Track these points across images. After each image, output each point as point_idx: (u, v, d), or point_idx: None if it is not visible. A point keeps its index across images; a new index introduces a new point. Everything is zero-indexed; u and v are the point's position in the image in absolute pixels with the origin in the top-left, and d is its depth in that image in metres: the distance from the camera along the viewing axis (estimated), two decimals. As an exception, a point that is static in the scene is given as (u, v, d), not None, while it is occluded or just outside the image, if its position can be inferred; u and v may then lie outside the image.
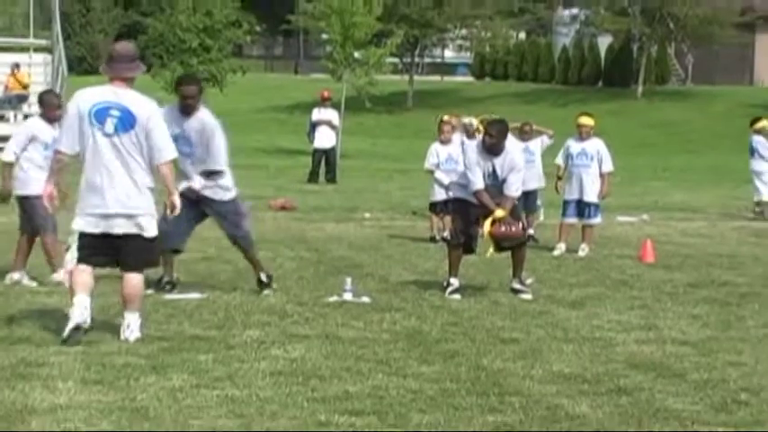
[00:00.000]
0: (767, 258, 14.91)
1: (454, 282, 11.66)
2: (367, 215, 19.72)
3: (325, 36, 39.76)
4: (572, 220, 15.42)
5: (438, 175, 15.98)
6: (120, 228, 8.97)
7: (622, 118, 49.04)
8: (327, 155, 27.90)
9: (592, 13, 62.45)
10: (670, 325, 10.08)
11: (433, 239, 16.00)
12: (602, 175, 15.30)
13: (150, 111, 9.07)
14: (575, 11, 65.38)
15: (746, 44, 58.81)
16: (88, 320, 8.82)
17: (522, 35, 77.31)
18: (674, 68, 64.57)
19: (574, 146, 15.47)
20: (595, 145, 15.37)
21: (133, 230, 9.00)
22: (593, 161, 15.28)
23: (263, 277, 11.51)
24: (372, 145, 44.39)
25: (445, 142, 16.12)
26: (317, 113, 28.14)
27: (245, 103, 59.65)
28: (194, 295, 11.12)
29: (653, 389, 7.73)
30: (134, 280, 9.13)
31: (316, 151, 27.91)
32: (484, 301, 11.20)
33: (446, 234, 14.77)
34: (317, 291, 11.55)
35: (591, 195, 15.27)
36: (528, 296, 11.49)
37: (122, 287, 9.16)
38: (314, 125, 28.05)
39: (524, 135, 17.17)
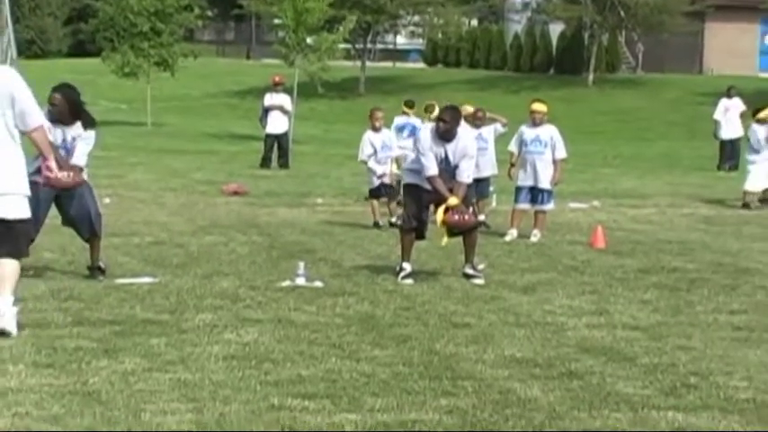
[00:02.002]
0: (716, 245, 15.05)
1: (407, 267, 11.69)
2: (319, 200, 19.71)
3: (277, 21, 39.65)
4: (525, 205, 15.47)
5: (371, 164, 16.48)
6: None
7: (573, 105, 49.22)
8: (280, 140, 27.81)
9: (544, 0, 62.64)
10: (620, 310, 10.17)
11: (376, 225, 16.03)
12: (554, 162, 15.36)
13: (9, 77, 8.53)
14: (527, -2, 65.55)
15: (696, 32, 59.15)
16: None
17: (475, 22, 77.44)
18: (625, 56, 64.88)
19: (527, 132, 15.52)
20: (549, 131, 15.43)
21: (8, 215, 8.38)
22: (546, 147, 15.33)
23: (102, 264, 11.47)
24: (325, 131, 44.32)
25: (378, 130, 16.38)
26: (270, 99, 28.04)
27: (197, 89, 59.38)
28: (146, 279, 11.09)
29: (603, 373, 7.80)
30: (8, 266, 8.43)
31: (268, 136, 27.82)
32: (436, 286, 11.24)
33: (395, 219, 14.92)
34: (270, 275, 11.54)
35: (544, 182, 15.33)
36: (480, 281, 11.55)
37: None
38: (266, 110, 27.94)
39: (477, 122, 17.19)
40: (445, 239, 11.93)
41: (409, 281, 11.45)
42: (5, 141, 8.32)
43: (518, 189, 15.61)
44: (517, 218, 15.46)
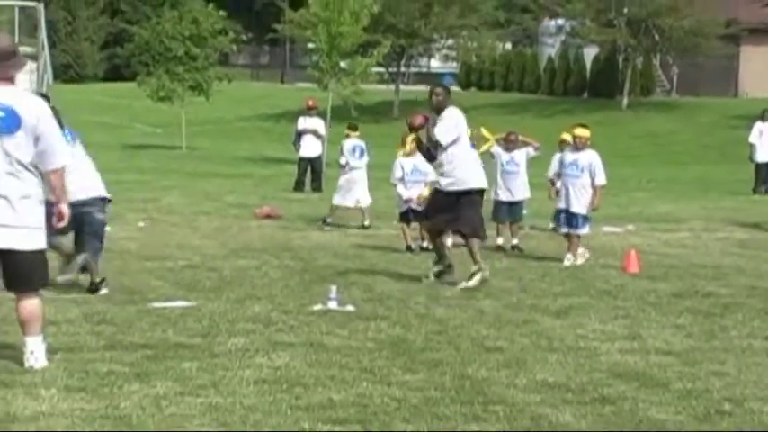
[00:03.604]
0: (751, 269, 14.94)
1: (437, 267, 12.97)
2: (352, 224, 19.71)
3: (311, 45, 39.75)
4: (563, 229, 15.40)
5: (399, 188, 16.58)
6: (1, 242, 8.08)
7: (607, 129, 49.11)
8: (313, 164, 27.89)
9: (578, 24, 62.56)
10: (654, 335, 10.10)
11: (409, 249, 16.02)
12: (594, 188, 15.24)
13: (40, 113, 8.16)
14: (560, 22, 65.45)
15: (731, 56, 58.97)
16: None
17: (509, 46, 77.47)
18: (660, 80, 64.72)
19: (568, 156, 15.51)
20: (588, 157, 15.30)
21: (16, 246, 8.09)
22: (583, 173, 15.23)
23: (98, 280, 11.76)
24: (358, 154, 44.37)
25: (410, 154, 16.35)
26: (303, 122, 28.14)
27: (231, 113, 59.64)
28: (179, 303, 11.11)
29: (636, 398, 7.75)
30: (30, 302, 8.22)
31: (301, 160, 27.90)
32: (469, 310, 11.20)
33: (426, 244, 15.04)
34: (302, 299, 11.54)
35: (576, 206, 15.26)
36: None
37: (18, 311, 8.25)
38: (299, 134, 28.04)
39: (509, 144, 17.21)
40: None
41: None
42: (18, 172, 8.10)
43: (557, 212, 15.58)
44: (566, 240, 15.34)
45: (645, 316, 11.09)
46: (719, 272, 14.57)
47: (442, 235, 13.72)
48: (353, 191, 19.72)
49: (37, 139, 8.11)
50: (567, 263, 14.94)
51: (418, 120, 13.49)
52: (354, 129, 20.96)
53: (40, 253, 8.29)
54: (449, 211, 13.10)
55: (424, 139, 13.48)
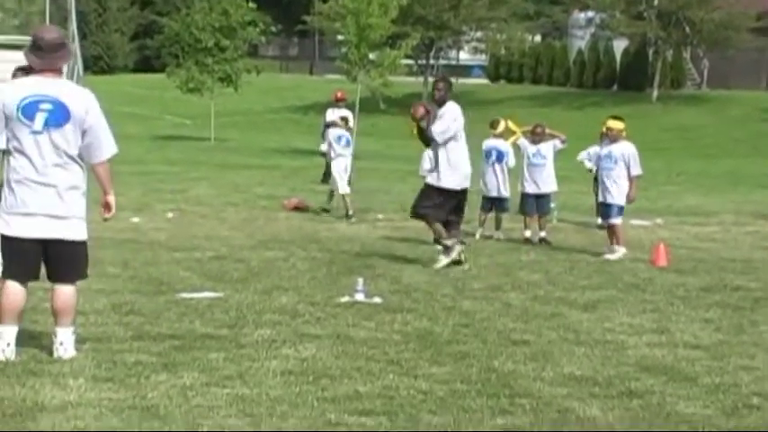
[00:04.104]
0: (781, 263, 14.86)
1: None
2: (380, 216, 19.72)
3: (340, 37, 39.79)
4: (599, 221, 15.44)
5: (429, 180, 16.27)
6: (48, 232, 8.10)
7: (637, 122, 48.93)
8: (341, 156, 27.87)
9: (607, 16, 62.36)
10: (682, 329, 10.06)
11: (437, 241, 15.98)
12: (630, 179, 15.18)
13: (89, 105, 8.13)
14: (590, 14, 65.25)
15: (762, 48, 58.63)
16: (12, 357, 8.05)
17: (538, 38, 77.32)
18: (690, 73, 64.44)
19: (604, 148, 15.54)
20: (622, 148, 15.24)
21: (62, 235, 8.13)
22: (616, 164, 15.19)
23: None
24: (386, 146, 44.39)
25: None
26: (332, 114, 28.11)
27: (260, 104, 59.77)
28: (206, 294, 11.14)
29: (664, 392, 7.71)
30: (66, 293, 8.26)
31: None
32: (496, 303, 11.19)
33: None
34: (329, 291, 11.55)
35: (610, 197, 15.21)
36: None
37: (52, 300, 8.28)
38: (328, 126, 28.04)
39: (536, 137, 17.18)
40: None
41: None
42: (66, 163, 8.14)
43: (597, 204, 15.62)
44: (608, 232, 15.32)
45: (673, 310, 11.05)
46: (749, 266, 14.50)
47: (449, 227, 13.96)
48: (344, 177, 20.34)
49: (85, 132, 8.13)
50: (613, 256, 14.82)
51: (420, 110, 14.05)
52: (345, 122, 22.08)
53: (84, 244, 8.33)
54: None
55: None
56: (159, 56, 54.83)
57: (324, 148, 21.57)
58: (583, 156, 19.09)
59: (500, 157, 17.28)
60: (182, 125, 52.59)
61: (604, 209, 15.31)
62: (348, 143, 21.02)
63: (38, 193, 8.08)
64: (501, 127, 17.56)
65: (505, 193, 17.28)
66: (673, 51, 61.15)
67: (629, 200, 15.25)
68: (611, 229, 15.23)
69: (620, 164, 15.15)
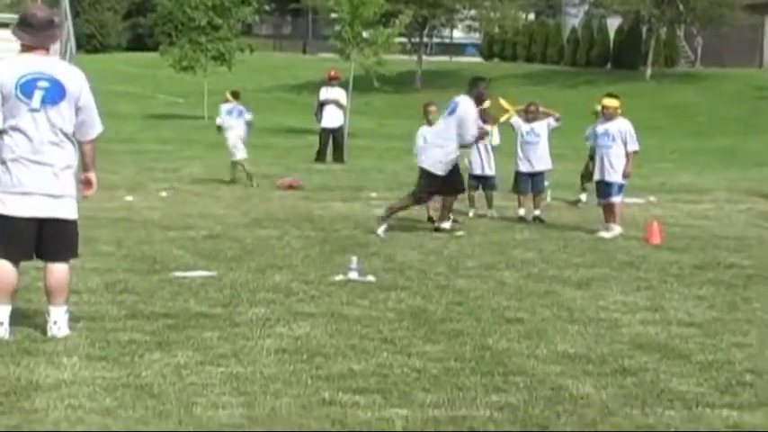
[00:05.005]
0: (774, 241, 14.87)
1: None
2: (374, 195, 19.72)
3: (333, 15, 39.66)
4: (600, 200, 15.41)
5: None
6: (45, 211, 8.11)
7: (631, 100, 48.80)
8: (335, 134, 27.87)
9: (601, -6, 62.22)
10: (676, 306, 10.07)
11: (430, 219, 16.00)
12: (626, 155, 15.18)
13: (82, 83, 8.21)
14: (584, -8, 65.14)
15: (756, 26, 58.58)
16: (6, 336, 8.05)
17: (532, 16, 77.17)
18: (684, 50, 64.37)
19: (599, 126, 15.47)
20: (618, 125, 15.24)
21: (58, 214, 8.16)
22: (614, 141, 15.18)
23: None
24: (380, 125, 44.35)
25: (432, 124, 16.34)
26: (325, 93, 28.11)
27: (253, 82, 59.61)
28: (201, 272, 11.13)
29: (657, 370, 7.73)
30: (60, 271, 8.26)
31: (323, 131, 27.89)
32: (489, 281, 11.19)
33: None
34: (323, 269, 11.56)
35: (609, 175, 15.20)
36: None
37: (46, 279, 8.29)
38: (321, 104, 28.02)
39: (530, 115, 17.15)
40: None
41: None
42: (62, 142, 8.16)
43: (596, 184, 15.57)
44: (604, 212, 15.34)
45: (667, 287, 11.06)
46: (742, 243, 14.52)
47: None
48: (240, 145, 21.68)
49: (79, 110, 8.18)
50: (608, 234, 14.84)
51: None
52: (235, 96, 23.45)
53: (76, 223, 8.35)
54: None
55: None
56: (152, 34, 54.69)
57: (219, 121, 22.95)
58: (589, 133, 19.03)
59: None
60: (175, 104, 52.48)
61: (604, 187, 15.27)
62: (240, 114, 22.41)
63: (34, 171, 8.08)
64: (485, 105, 17.55)
65: (490, 171, 17.27)
66: (666, 29, 61.06)
67: (625, 175, 15.24)
68: (608, 208, 15.22)
69: (618, 141, 15.14)
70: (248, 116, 22.81)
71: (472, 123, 14.93)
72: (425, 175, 14.99)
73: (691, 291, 10.89)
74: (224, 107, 23.01)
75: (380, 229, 14.52)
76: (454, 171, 15.02)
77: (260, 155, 28.44)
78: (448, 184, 14.95)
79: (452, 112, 14.97)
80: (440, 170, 14.81)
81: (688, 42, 64.97)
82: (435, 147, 15.02)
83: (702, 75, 58.46)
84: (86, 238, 12.58)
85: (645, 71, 57.25)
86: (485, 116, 15.94)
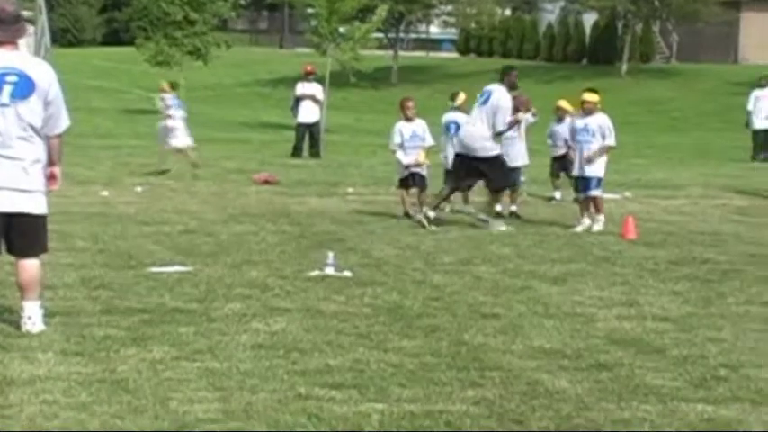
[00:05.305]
0: (749, 236, 14.94)
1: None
2: (350, 190, 19.71)
3: (310, 10, 39.63)
4: (579, 195, 15.46)
5: (398, 154, 16.39)
6: (13, 206, 8.07)
7: (606, 95, 48.85)
8: (311, 129, 27.84)
9: (577, -11, 62.38)
10: (651, 301, 10.11)
11: (407, 215, 16.00)
12: (602, 147, 15.24)
13: (51, 78, 8.17)
14: (560, -12, 65.28)
15: (731, 22, 58.82)
16: None
17: (508, 12, 77.26)
18: (659, 46, 64.57)
19: (578, 121, 15.50)
20: (598, 120, 15.31)
21: (28, 209, 8.11)
22: (593, 137, 15.23)
23: None
24: (356, 120, 44.34)
25: (410, 119, 16.36)
26: (301, 88, 28.07)
27: (230, 78, 59.56)
28: (176, 268, 11.11)
29: (633, 364, 7.75)
30: (31, 267, 8.21)
31: (299, 126, 27.85)
32: (466, 277, 11.21)
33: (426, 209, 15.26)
34: (299, 265, 11.55)
35: (588, 170, 15.26)
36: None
37: (18, 275, 8.25)
38: (298, 99, 27.98)
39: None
40: None
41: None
42: (31, 137, 8.12)
43: (574, 179, 15.61)
44: (582, 207, 15.38)
45: (642, 282, 11.10)
46: (717, 239, 14.58)
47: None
48: (181, 133, 22.18)
49: (48, 104, 8.14)
50: (596, 227, 14.92)
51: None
52: (173, 87, 23.71)
53: (45, 218, 8.31)
54: None
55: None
56: (128, 29, 54.58)
57: (170, 111, 22.95)
58: (549, 132, 19.18)
59: (459, 130, 17.30)
60: (150, 99, 52.36)
61: (582, 182, 15.31)
62: (177, 105, 22.71)
63: (3, 166, 8.04)
64: (460, 99, 17.59)
65: None
66: (642, 25, 61.23)
67: (589, 158, 15.23)
68: (587, 202, 15.25)
69: (597, 136, 15.20)
70: (182, 110, 23.08)
71: (506, 112, 15.20)
72: (461, 163, 15.48)
73: (666, 286, 10.93)
74: (167, 96, 23.07)
75: (429, 222, 14.96)
76: (500, 164, 15.41)
77: (236, 150, 28.42)
78: (494, 178, 15.41)
79: (486, 101, 15.18)
80: (483, 153, 15.20)
81: (663, 38, 65.17)
82: (474, 137, 15.33)
83: (678, 70, 58.67)
84: (62, 234, 12.61)
85: (620, 67, 57.41)
86: (516, 104, 15.90)
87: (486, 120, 15.19)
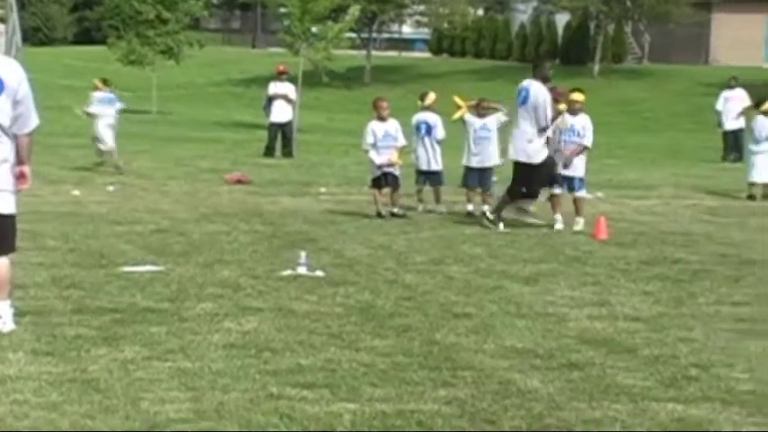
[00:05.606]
0: (720, 236, 15.01)
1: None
2: (323, 189, 19.70)
3: (283, 10, 39.58)
4: (558, 190, 15.51)
5: (371, 154, 16.39)
6: None
7: (579, 96, 49.15)
8: (284, 129, 27.79)
9: (550, -10, 62.52)
10: (622, 301, 10.14)
11: (379, 215, 16.00)
12: (578, 146, 15.39)
13: (21, 76, 8.11)
14: (533, -12, 65.44)
15: (703, 23, 59.07)
16: None
17: (480, 12, 77.34)
18: (631, 47, 64.78)
19: (565, 121, 15.54)
20: (582, 121, 15.46)
21: None
22: (579, 137, 15.36)
23: None
24: (329, 120, 44.30)
25: (383, 119, 16.36)
26: (274, 87, 28.03)
27: (202, 77, 59.44)
28: (148, 267, 11.07)
29: (604, 364, 7.78)
30: (1, 266, 8.17)
31: (272, 125, 27.80)
32: (438, 276, 11.22)
33: (397, 210, 15.26)
34: (272, 264, 11.53)
35: (575, 170, 15.38)
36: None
37: None
38: (270, 99, 27.93)
39: (482, 111, 17.18)
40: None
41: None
42: (0, 135, 8.07)
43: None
44: (557, 204, 15.46)
45: (614, 282, 11.13)
46: (688, 239, 14.64)
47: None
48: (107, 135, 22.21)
49: (17, 103, 8.09)
50: (576, 227, 15.01)
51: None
52: (106, 83, 23.57)
53: (13, 217, 8.26)
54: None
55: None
56: (99, 28, 54.36)
57: (91, 109, 22.85)
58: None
59: (429, 130, 17.32)
60: (122, 98, 52.17)
61: (566, 182, 15.47)
62: (111, 102, 22.79)
63: None
64: (429, 99, 17.62)
65: (436, 166, 17.32)
66: (614, 26, 61.42)
67: (566, 161, 15.36)
68: (578, 202, 15.42)
69: (580, 137, 15.35)
70: (120, 105, 23.23)
71: (548, 106, 14.96)
72: (513, 167, 15.29)
73: (637, 286, 10.97)
74: (96, 95, 23.01)
75: (500, 226, 14.99)
76: (539, 167, 15.07)
77: (209, 149, 28.35)
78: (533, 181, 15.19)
79: (525, 99, 15.05)
80: (524, 158, 15.01)
81: (636, 39, 65.39)
82: (518, 138, 15.17)
83: (649, 71, 58.88)
84: (33, 233, 12.55)
85: (593, 67, 57.54)
86: (554, 95, 15.71)
87: (529, 118, 14.99)
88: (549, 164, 15.18)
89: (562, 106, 15.61)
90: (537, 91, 15.02)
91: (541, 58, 16.25)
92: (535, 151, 15.02)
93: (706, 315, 9.64)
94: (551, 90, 15.38)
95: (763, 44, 60.95)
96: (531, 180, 15.10)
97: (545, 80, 15.26)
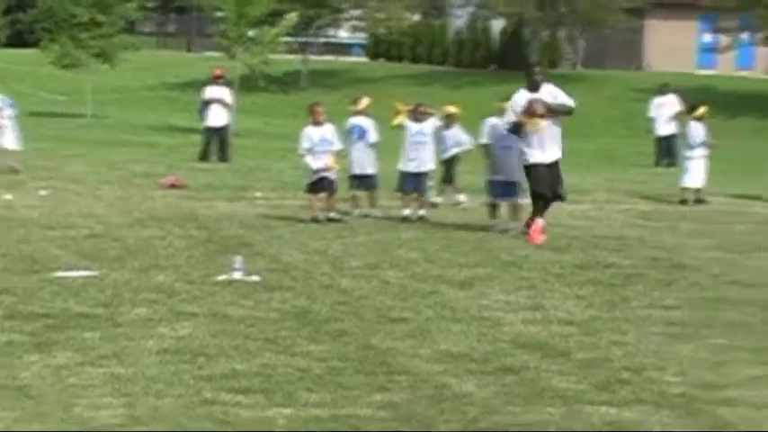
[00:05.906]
0: (652, 240, 15.16)
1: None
2: (258, 194, 19.64)
3: (219, 14, 39.44)
4: (500, 200, 15.70)
5: (307, 158, 16.36)
6: None
7: (514, 101, 49.39)
8: (220, 133, 27.67)
9: (486, -5, 62.80)
10: (556, 305, 10.21)
11: (314, 219, 15.98)
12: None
13: None
14: (469, -7, 65.70)
15: (636, 29, 59.57)
16: None
17: (417, 17, 77.50)
18: (566, 52, 65.21)
19: (501, 125, 15.59)
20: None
21: None
22: (516, 142, 15.49)
23: None
24: (265, 124, 44.16)
25: (319, 124, 16.36)
26: (210, 91, 27.90)
27: (136, 81, 59.00)
28: (81, 272, 10.99)
29: (538, 368, 7.83)
30: None
31: (207, 130, 27.67)
32: (373, 281, 11.23)
33: (333, 215, 15.27)
34: (207, 269, 11.48)
35: (513, 174, 15.57)
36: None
37: None
38: (206, 103, 27.81)
39: (419, 116, 17.22)
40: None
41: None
42: None
43: (492, 183, 15.80)
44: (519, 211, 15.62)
45: (548, 287, 11.21)
46: (622, 243, 14.77)
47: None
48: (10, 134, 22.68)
49: None
50: (513, 232, 15.12)
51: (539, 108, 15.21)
52: None
53: None
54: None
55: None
56: (32, 30, 53.79)
57: None
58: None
59: (362, 134, 17.35)
60: (56, 102, 51.68)
61: (506, 187, 15.61)
62: (11, 106, 23.29)
63: None
64: (362, 104, 17.66)
65: (371, 169, 17.33)
66: (549, 31, 61.83)
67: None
68: (518, 207, 15.56)
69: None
70: (14, 111, 23.42)
71: (510, 112, 15.16)
72: (525, 171, 15.27)
73: (571, 290, 11.05)
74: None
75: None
76: (538, 167, 15.16)
77: (143, 153, 28.16)
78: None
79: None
80: (530, 159, 15.09)
81: (570, 45, 65.84)
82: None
83: (583, 77, 59.24)
84: (-36, 238, 12.40)
85: (528, 73, 57.83)
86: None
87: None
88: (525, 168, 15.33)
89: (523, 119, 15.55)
90: (513, 98, 15.33)
91: (528, 66, 16.33)
92: (530, 154, 15.15)
93: (638, 318, 9.74)
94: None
95: (694, 50, 61.61)
96: (541, 180, 15.16)
97: (532, 88, 15.39)
